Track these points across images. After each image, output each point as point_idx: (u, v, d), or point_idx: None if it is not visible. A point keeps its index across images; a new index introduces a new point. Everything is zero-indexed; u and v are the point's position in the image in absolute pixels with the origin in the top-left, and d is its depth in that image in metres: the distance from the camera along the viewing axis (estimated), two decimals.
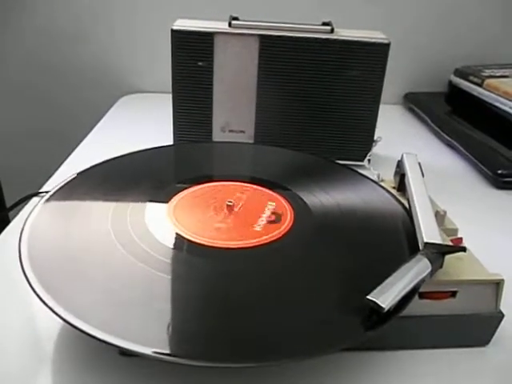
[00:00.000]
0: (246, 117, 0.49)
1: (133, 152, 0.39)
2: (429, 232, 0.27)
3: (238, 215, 0.31)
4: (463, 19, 0.71)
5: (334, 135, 0.49)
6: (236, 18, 0.47)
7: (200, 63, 0.47)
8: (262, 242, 0.28)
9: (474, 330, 0.27)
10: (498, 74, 0.64)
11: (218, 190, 0.34)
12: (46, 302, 0.23)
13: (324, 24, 0.47)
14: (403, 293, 0.23)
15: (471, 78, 0.65)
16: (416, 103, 0.70)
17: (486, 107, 0.61)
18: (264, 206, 0.32)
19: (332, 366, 0.26)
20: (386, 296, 0.22)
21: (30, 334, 0.27)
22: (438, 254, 0.26)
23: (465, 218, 0.36)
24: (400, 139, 0.59)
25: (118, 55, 0.71)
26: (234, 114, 0.49)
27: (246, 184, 0.35)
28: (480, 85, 0.63)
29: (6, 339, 0.26)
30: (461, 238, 0.32)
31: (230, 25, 0.46)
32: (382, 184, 0.37)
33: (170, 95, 0.48)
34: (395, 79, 0.72)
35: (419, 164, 0.36)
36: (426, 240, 0.27)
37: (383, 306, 0.22)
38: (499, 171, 0.48)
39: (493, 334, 0.27)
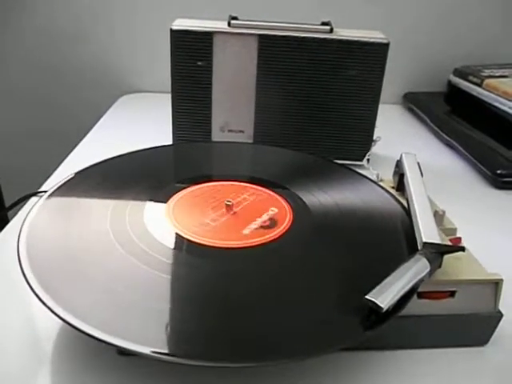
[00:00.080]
0: (245, 116, 0.49)
1: (132, 151, 0.39)
2: (428, 232, 0.28)
3: (234, 216, 0.31)
4: (462, 19, 0.71)
5: (333, 135, 0.49)
6: (235, 18, 0.47)
7: (199, 63, 0.47)
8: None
9: (473, 330, 0.27)
10: (497, 74, 0.64)
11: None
12: (45, 301, 0.23)
13: (323, 24, 0.47)
14: (402, 292, 0.23)
15: (470, 77, 0.65)
16: (415, 103, 0.70)
17: (485, 107, 0.61)
18: (265, 210, 0.32)
19: (331, 365, 0.26)
20: (384, 296, 0.22)
21: (29, 333, 0.27)
22: (436, 253, 0.26)
23: (464, 218, 0.36)
24: (399, 139, 0.59)
25: (118, 55, 0.71)
26: (233, 113, 0.49)
27: (253, 186, 0.35)
28: (479, 85, 0.63)
29: (6, 339, 0.26)
30: (460, 238, 0.32)
31: (229, 24, 0.46)
32: (381, 184, 0.37)
33: (170, 95, 0.48)
34: (394, 79, 0.72)
35: (418, 164, 0.36)
36: (424, 240, 0.27)
37: (382, 305, 0.22)
38: (498, 171, 0.48)
39: (491, 334, 0.27)
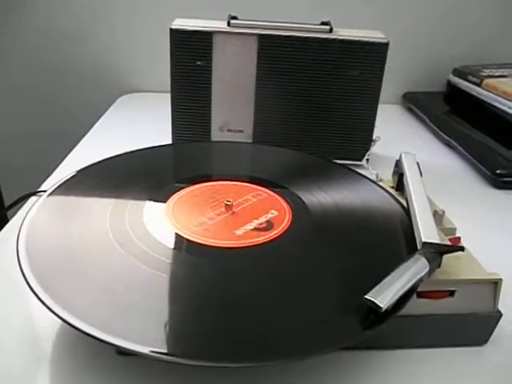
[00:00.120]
0: (244, 116, 0.49)
1: (131, 151, 0.39)
2: (427, 231, 0.28)
3: (233, 216, 0.31)
4: (462, 19, 0.71)
5: (332, 135, 0.49)
6: (235, 18, 0.47)
7: (199, 62, 0.47)
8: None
9: (472, 330, 0.27)
10: (496, 74, 0.64)
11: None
12: (44, 301, 0.23)
13: (323, 23, 0.47)
14: (401, 292, 0.23)
15: (470, 77, 0.65)
16: (415, 103, 0.70)
17: (484, 107, 0.61)
18: (264, 212, 0.32)
19: (330, 365, 0.26)
20: (384, 295, 0.22)
21: (29, 333, 0.27)
22: (436, 253, 0.26)
23: (463, 218, 0.36)
24: (399, 139, 0.59)
25: (118, 55, 0.71)
26: (232, 113, 0.49)
27: (252, 185, 0.35)
28: (479, 84, 0.63)
29: (5, 339, 0.26)
30: (459, 238, 0.32)
31: (228, 24, 0.46)
32: (381, 183, 0.37)
33: (169, 95, 0.48)
34: (394, 79, 0.72)
35: (418, 163, 0.36)
36: (424, 239, 0.27)
37: (381, 305, 0.22)
38: (498, 171, 0.48)
39: (491, 334, 0.27)
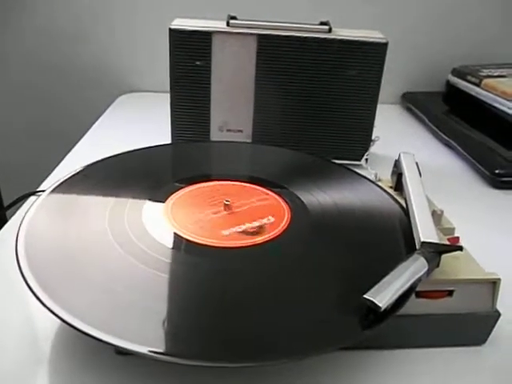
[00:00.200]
0: (243, 116, 0.49)
1: (130, 151, 0.39)
2: (426, 231, 0.28)
3: (229, 216, 0.31)
4: (461, 19, 0.71)
5: (331, 135, 0.49)
6: (234, 18, 0.47)
7: (198, 62, 0.47)
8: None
9: (471, 329, 0.27)
10: (495, 74, 0.64)
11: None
12: (43, 301, 0.23)
13: (322, 23, 0.47)
14: (400, 292, 0.23)
15: (469, 77, 0.65)
16: (414, 103, 0.70)
17: (483, 107, 0.61)
18: (262, 217, 0.31)
19: (329, 365, 0.26)
20: (383, 295, 0.22)
21: (28, 333, 0.27)
22: (434, 253, 0.26)
23: (462, 218, 0.36)
24: (398, 139, 0.59)
25: (118, 55, 0.71)
26: (231, 113, 0.49)
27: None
28: (478, 84, 0.63)
29: (4, 338, 0.26)
30: (458, 238, 0.32)
31: (228, 24, 0.46)
32: (380, 183, 0.37)
33: (169, 94, 0.48)
34: (393, 79, 0.72)
35: (416, 163, 0.36)
36: (422, 239, 0.27)
37: (380, 305, 0.22)
38: (497, 171, 0.48)
39: (489, 334, 0.27)
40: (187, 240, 0.28)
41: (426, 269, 0.24)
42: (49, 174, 0.45)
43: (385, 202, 0.34)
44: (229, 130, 0.50)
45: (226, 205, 0.32)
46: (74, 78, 0.72)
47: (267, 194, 0.34)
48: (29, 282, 0.24)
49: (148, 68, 0.72)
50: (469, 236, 0.33)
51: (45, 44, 0.69)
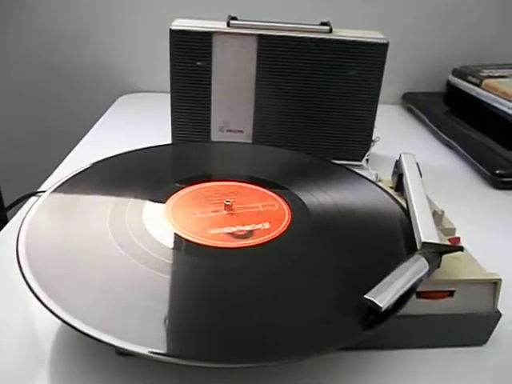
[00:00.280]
0: (244, 116, 0.49)
1: (131, 151, 0.39)
2: (426, 232, 0.28)
3: (224, 216, 0.31)
4: (462, 19, 0.71)
5: (332, 135, 0.49)
6: (234, 18, 0.47)
7: (198, 63, 0.47)
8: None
9: (472, 330, 0.27)
10: (496, 74, 0.64)
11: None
12: (44, 301, 0.23)
13: (322, 24, 0.47)
14: (401, 292, 0.23)
15: (469, 78, 0.65)
16: (414, 103, 0.70)
17: (484, 107, 0.61)
18: (257, 222, 0.31)
19: (330, 365, 0.26)
20: (383, 295, 0.22)
21: (28, 333, 0.27)
22: (435, 253, 0.26)
23: (463, 218, 0.36)
24: (398, 139, 0.59)
25: (118, 55, 0.71)
26: (232, 113, 0.49)
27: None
28: (478, 85, 0.63)
29: (4, 339, 0.26)
30: (458, 238, 0.32)
31: (228, 24, 0.46)
32: (380, 184, 0.37)
33: (169, 95, 0.48)
34: (393, 79, 0.72)
35: (417, 164, 0.36)
36: (423, 239, 0.27)
37: (381, 305, 0.22)
38: (497, 171, 0.48)
39: (490, 334, 0.27)
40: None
41: (426, 269, 0.24)
42: (49, 174, 0.45)
43: (385, 202, 0.34)
44: (229, 131, 0.50)
45: (226, 205, 0.32)
46: (74, 79, 0.72)
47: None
48: (29, 282, 0.24)
49: (148, 68, 0.72)
50: (470, 236, 0.33)
51: (45, 44, 0.69)
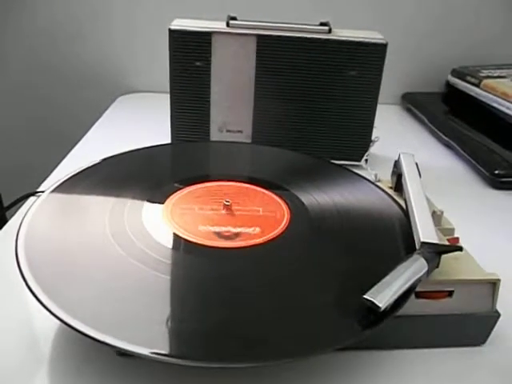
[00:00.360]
0: (243, 117, 0.49)
1: (130, 151, 0.39)
2: (425, 231, 0.28)
3: (221, 215, 0.31)
4: (461, 20, 0.71)
5: (331, 135, 0.49)
6: (234, 18, 0.47)
7: (198, 63, 0.47)
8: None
9: (471, 330, 0.27)
10: (495, 75, 0.64)
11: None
12: (43, 302, 0.23)
13: (322, 24, 0.47)
14: (400, 292, 0.23)
15: (468, 78, 0.66)
16: (413, 103, 0.70)
17: (483, 108, 0.61)
18: (249, 225, 0.30)
19: (329, 365, 0.26)
20: (382, 295, 0.22)
21: (27, 334, 0.27)
22: (434, 253, 0.26)
23: (462, 218, 0.36)
24: (397, 139, 0.59)
25: (117, 55, 0.71)
26: (231, 113, 0.49)
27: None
28: (477, 85, 0.63)
29: (4, 339, 0.26)
30: (457, 238, 0.32)
31: (227, 25, 0.46)
32: (379, 184, 0.37)
33: (168, 95, 0.48)
34: (393, 79, 0.72)
35: (416, 164, 0.36)
36: (422, 239, 0.27)
37: (380, 305, 0.22)
38: (496, 171, 0.48)
39: (489, 334, 0.27)
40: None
41: (425, 269, 0.24)
42: (49, 174, 0.45)
43: (384, 202, 0.34)
44: (228, 131, 0.50)
45: (225, 205, 0.32)
46: (73, 78, 0.72)
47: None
48: (28, 282, 0.24)
49: (147, 68, 0.72)
50: (469, 236, 0.33)
51: (45, 44, 0.69)
